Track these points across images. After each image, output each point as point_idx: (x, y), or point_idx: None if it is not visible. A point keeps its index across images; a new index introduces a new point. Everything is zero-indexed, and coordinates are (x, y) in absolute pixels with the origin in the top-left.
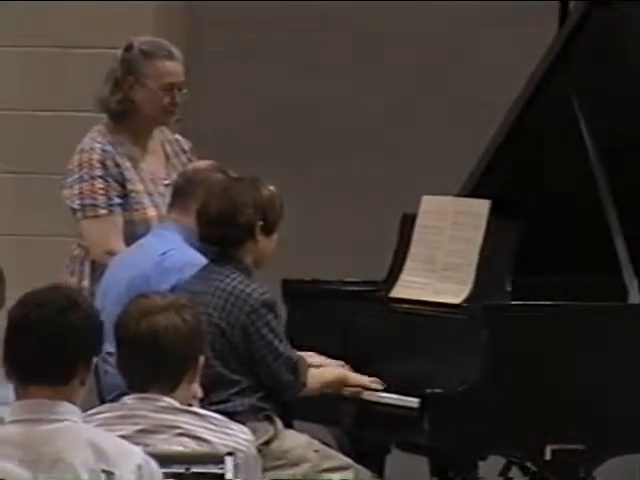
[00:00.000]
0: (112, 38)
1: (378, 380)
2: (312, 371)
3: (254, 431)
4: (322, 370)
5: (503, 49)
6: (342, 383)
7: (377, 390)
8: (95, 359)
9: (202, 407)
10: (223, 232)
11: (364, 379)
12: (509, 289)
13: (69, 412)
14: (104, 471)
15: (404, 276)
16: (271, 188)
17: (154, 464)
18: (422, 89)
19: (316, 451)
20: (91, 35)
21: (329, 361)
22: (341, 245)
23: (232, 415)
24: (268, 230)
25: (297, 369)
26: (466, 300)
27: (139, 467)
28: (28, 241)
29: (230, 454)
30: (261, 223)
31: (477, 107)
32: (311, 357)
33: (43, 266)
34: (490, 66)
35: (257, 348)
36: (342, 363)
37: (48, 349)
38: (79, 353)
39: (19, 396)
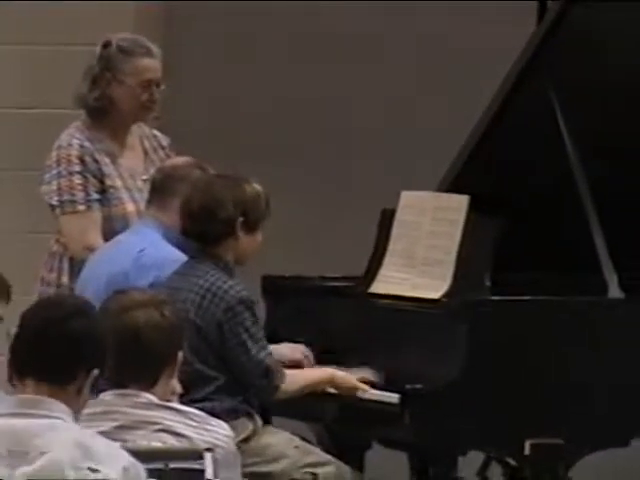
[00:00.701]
0: (92, 36)
1: (367, 378)
2: (295, 373)
3: (233, 428)
4: (307, 371)
5: (503, 49)
6: (329, 384)
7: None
8: (96, 372)
9: (182, 404)
10: (203, 227)
11: (352, 380)
12: (488, 284)
13: (61, 411)
14: (90, 469)
15: (383, 271)
16: (257, 186)
17: (141, 467)
18: (422, 89)
19: (296, 447)
20: (71, 33)
21: (293, 346)
22: (322, 240)
23: (211, 415)
24: (250, 228)
25: (269, 373)
26: (445, 295)
27: (125, 469)
28: (6, 238)
29: (209, 450)
30: (242, 219)
31: (477, 107)
32: (280, 349)
33: (22, 262)
34: (490, 66)
35: (231, 346)
36: (302, 348)
37: (48, 349)
38: (77, 360)
39: (16, 393)
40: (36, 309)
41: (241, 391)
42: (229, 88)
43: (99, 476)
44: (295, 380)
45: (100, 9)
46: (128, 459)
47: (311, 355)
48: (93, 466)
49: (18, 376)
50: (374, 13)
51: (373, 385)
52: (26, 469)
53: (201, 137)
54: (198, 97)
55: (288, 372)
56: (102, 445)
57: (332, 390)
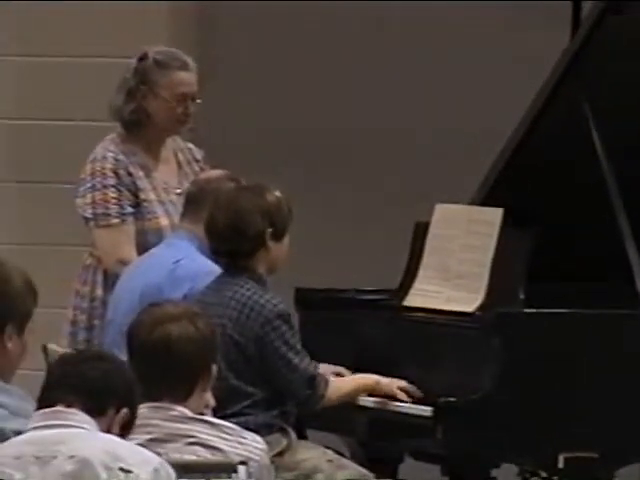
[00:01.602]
0: (125, 47)
1: (412, 387)
2: (338, 380)
3: (267, 443)
4: (349, 378)
5: (522, 51)
6: (371, 390)
7: (405, 400)
8: (125, 411)
9: (215, 418)
10: (233, 244)
11: (394, 388)
12: (522, 297)
13: (85, 422)
14: (122, 469)
15: (417, 284)
16: (276, 193)
17: (169, 467)
18: (443, 95)
19: (329, 461)
20: (104, 45)
21: (329, 367)
22: (355, 253)
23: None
24: (278, 235)
25: (314, 382)
26: (479, 308)
27: (156, 470)
28: (40, 250)
29: (243, 463)
30: (270, 230)
31: (494, 113)
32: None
33: (55, 275)
34: (507, 70)
35: (271, 361)
36: (340, 369)
37: (79, 378)
38: (107, 393)
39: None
40: (71, 352)
41: (276, 405)
42: (265, 90)
43: (131, 477)
44: (338, 387)
45: (134, 9)
46: (157, 460)
47: (349, 375)
48: (124, 467)
49: (47, 405)
50: (404, 13)
51: (413, 397)
52: (58, 471)
53: (236, 139)
54: (233, 99)
55: (331, 380)
56: (130, 449)
57: (366, 401)
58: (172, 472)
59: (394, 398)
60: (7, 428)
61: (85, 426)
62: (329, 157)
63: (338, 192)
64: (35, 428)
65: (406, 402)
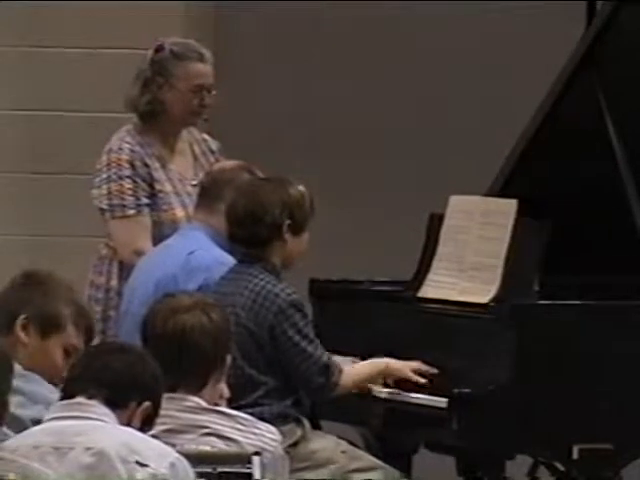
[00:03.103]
0: (141, 39)
1: (425, 366)
2: (350, 367)
3: (282, 434)
4: (361, 365)
5: (533, 48)
6: (384, 375)
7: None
8: (147, 404)
9: (230, 409)
10: (250, 231)
11: (407, 371)
12: (537, 289)
13: (104, 414)
14: (138, 462)
15: (432, 276)
16: (300, 188)
17: (186, 462)
18: (454, 89)
19: (344, 452)
20: (120, 36)
21: (342, 359)
22: (369, 244)
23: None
24: (296, 230)
25: (328, 370)
26: (493, 300)
27: (172, 464)
28: (55, 242)
29: (257, 454)
30: (288, 222)
31: (508, 106)
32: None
33: (71, 266)
34: (521, 66)
35: (284, 350)
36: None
37: (102, 370)
38: (130, 386)
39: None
40: (95, 344)
41: (291, 394)
42: (277, 88)
43: (148, 471)
44: (351, 374)
45: (150, 10)
46: (174, 455)
47: None
48: (141, 460)
49: (69, 396)
50: (410, 14)
51: (428, 377)
52: (75, 463)
53: (251, 139)
54: (246, 97)
55: (345, 368)
56: (147, 442)
57: (380, 392)
58: (189, 467)
59: (410, 383)
60: (24, 415)
61: (104, 418)
62: (344, 149)
63: (352, 183)
64: (54, 418)
65: (422, 384)
